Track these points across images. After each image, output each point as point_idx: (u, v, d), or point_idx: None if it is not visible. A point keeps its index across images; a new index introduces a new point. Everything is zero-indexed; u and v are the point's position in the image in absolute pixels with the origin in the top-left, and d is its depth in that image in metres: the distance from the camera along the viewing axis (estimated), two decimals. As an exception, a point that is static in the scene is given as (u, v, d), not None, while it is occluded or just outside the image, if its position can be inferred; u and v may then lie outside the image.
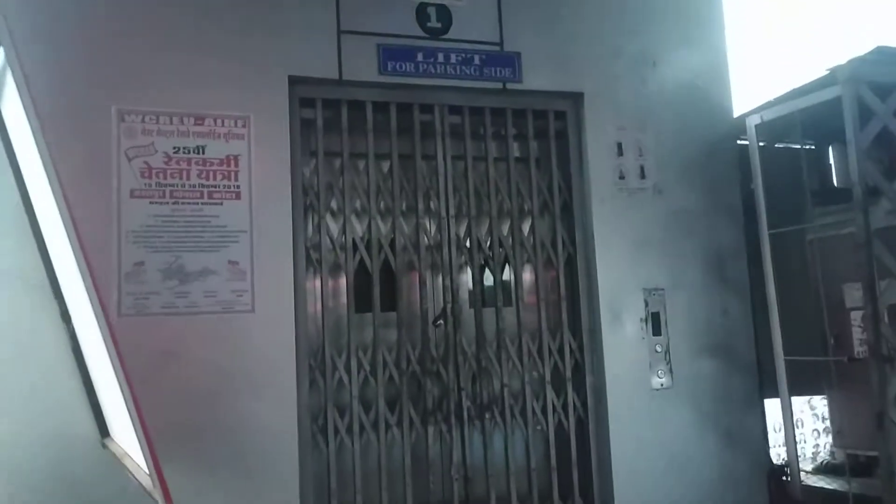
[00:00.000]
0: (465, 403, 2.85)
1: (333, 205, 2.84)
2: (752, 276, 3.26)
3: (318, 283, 2.78)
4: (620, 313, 3.02)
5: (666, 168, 3.18)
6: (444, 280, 2.92)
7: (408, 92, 2.92)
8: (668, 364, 3.02)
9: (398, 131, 2.93)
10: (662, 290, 3.07)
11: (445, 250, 2.93)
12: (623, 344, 3.00)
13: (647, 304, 3.04)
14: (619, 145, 3.12)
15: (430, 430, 2.81)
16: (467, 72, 2.96)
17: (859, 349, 3.20)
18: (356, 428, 2.72)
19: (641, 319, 3.03)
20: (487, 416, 2.88)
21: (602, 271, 3.02)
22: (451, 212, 2.96)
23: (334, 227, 2.83)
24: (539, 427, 2.96)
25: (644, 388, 3.00)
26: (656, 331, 3.03)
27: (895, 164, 2.82)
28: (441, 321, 2.88)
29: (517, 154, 3.10)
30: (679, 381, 3.04)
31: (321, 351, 2.73)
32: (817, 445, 3.73)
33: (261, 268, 2.57)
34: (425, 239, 2.92)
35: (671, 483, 2.99)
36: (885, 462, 2.55)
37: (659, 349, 3.02)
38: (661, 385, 3.01)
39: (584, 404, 3.00)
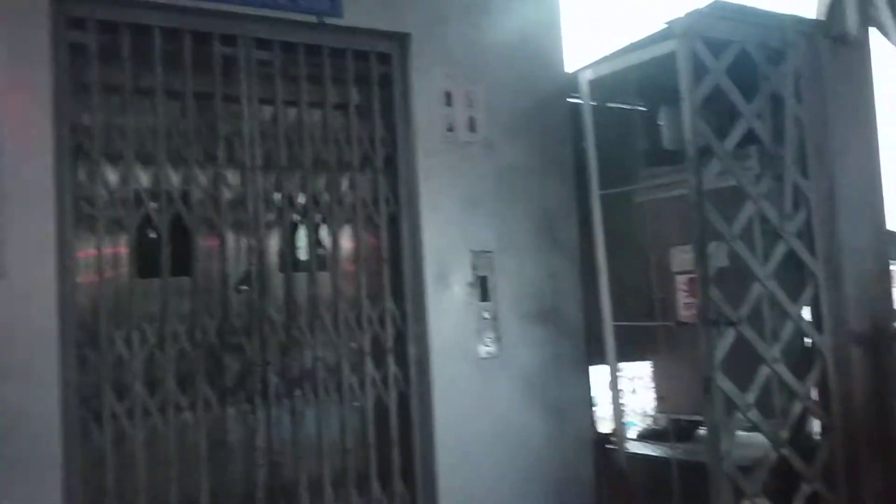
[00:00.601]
0: (272, 380, 2.54)
1: (112, 149, 2.41)
2: (581, 238, 3.17)
3: (91, 242, 2.35)
4: (447, 277, 2.81)
5: (497, 122, 2.99)
6: (248, 240, 2.58)
7: (206, 19, 2.53)
8: (496, 331, 2.86)
9: (194, 65, 2.53)
10: (491, 252, 2.89)
11: (250, 206, 2.58)
12: (449, 311, 2.81)
13: (474, 268, 2.85)
14: (448, 95, 2.90)
15: (231, 411, 2.48)
16: None
17: (684, 314, 3.21)
18: (139, 412, 2.34)
19: (469, 284, 2.84)
20: (298, 392, 2.59)
21: (428, 232, 2.80)
22: (258, 162, 2.61)
23: (113, 176, 2.40)
24: (356, 403, 2.71)
25: (471, 357, 2.83)
26: (484, 296, 2.86)
27: (725, 124, 2.78)
28: (245, 287, 2.55)
29: (335, 100, 2.79)
30: (507, 348, 2.89)
31: (94, 323, 2.31)
32: (644, 412, 3.77)
33: (11, 224, 2.12)
34: (226, 192, 2.55)
35: (498, 456, 2.85)
36: (711, 427, 2.53)
37: (487, 315, 2.85)
38: (489, 353, 2.85)
39: (407, 377, 2.77)
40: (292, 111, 2.71)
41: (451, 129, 2.87)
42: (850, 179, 2.99)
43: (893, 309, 3.12)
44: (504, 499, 2.86)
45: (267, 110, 2.66)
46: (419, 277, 2.78)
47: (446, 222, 2.84)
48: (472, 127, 2.91)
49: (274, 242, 2.67)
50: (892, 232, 3.28)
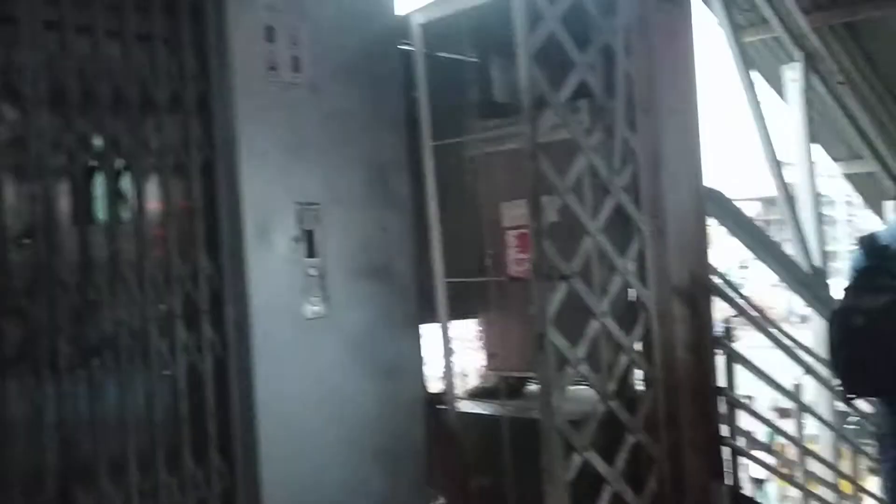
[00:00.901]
0: (64, 348, 2.23)
1: None
2: (413, 192, 3.05)
3: None
4: (269, 231, 2.60)
5: (324, 64, 2.78)
6: (32, 186, 2.23)
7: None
8: (323, 289, 2.69)
9: (-43, -25, 2.13)
10: (318, 204, 2.70)
11: (33, 146, 2.23)
12: (272, 268, 2.60)
13: (300, 221, 2.65)
14: (270, 30, 2.65)
15: (12, 385, 2.15)
16: None
17: (515, 269, 3.20)
18: None
19: (294, 239, 2.64)
20: (96, 362, 2.29)
21: (248, 181, 2.56)
22: (44, 96, 2.26)
23: None
24: (167, 372, 2.45)
25: (296, 317, 2.64)
26: (310, 252, 2.67)
27: (557, 77, 2.76)
28: (28, 240, 2.21)
29: (138, 29, 2.46)
30: (335, 307, 2.72)
31: None
32: (476, 370, 3.75)
33: None
34: (2, 130, 2.19)
35: (325, 422, 2.70)
36: (543, 383, 2.52)
37: (313, 272, 2.66)
38: (316, 313, 2.68)
39: (224, 341, 2.53)
40: (87, 38, 2.36)
41: (273, 69, 2.63)
42: (673, 137, 3.08)
43: (709, 264, 3.27)
44: (333, 466, 2.72)
45: (55, 36, 2.30)
46: (237, 231, 2.54)
47: (268, 171, 2.61)
48: (296, 67, 2.69)
49: (65, 189, 2.33)
50: (709, 189, 3.44)
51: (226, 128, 2.57)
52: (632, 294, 3.00)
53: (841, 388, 3.95)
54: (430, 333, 3.09)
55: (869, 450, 5.19)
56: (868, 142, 7.63)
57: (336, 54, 2.83)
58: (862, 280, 3.70)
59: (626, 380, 2.95)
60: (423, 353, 3.05)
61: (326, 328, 2.71)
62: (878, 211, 9.39)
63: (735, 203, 4.70)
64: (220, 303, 2.54)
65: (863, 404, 4.36)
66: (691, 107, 3.21)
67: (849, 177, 9.34)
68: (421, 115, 3.08)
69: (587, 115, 2.99)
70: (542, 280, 2.50)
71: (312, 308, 2.66)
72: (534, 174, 2.50)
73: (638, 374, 3.04)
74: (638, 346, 2.97)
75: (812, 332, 6.28)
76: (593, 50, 2.81)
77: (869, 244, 3.85)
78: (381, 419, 2.85)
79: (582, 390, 3.00)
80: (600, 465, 2.65)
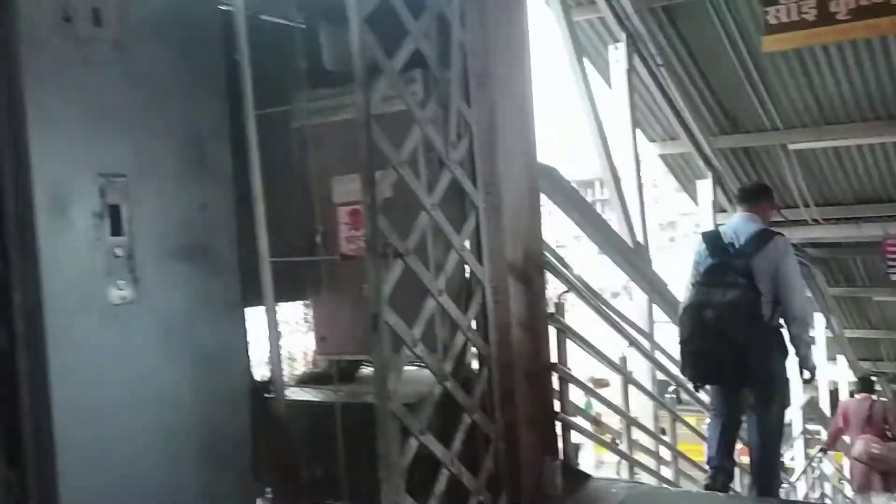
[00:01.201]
0: None
1: None
2: (235, 165, 2.84)
3: None
4: (66, 207, 2.31)
5: (131, 19, 2.50)
6: None
7: None
8: (131, 272, 2.43)
9: None
10: (124, 176, 2.44)
11: None
12: (70, 248, 2.31)
13: (103, 195, 2.38)
14: (61, -25, 2.35)
15: None
16: None
17: (347, 247, 3.08)
18: None
19: (96, 214, 2.37)
20: None
21: (38, 148, 2.25)
22: None
23: None
24: (-60, 370, 2.13)
25: (100, 303, 2.37)
26: (116, 230, 2.41)
27: (390, 47, 2.65)
28: None
29: None
30: (146, 291, 2.48)
31: None
32: (306, 354, 3.59)
33: None
34: None
35: (137, 418, 2.46)
36: (379, 365, 2.42)
37: (120, 252, 2.40)
38: (123, 298, 2.42)
39: (11, 332, 2.24)
40: None
41: (68, 20, 2.33)
42: (506, 110, 3.07)
43: (543, 240, 3.31)
44: (148, 465, 2.49)
45: None
46: (26, 207, 2.24)
47: (64, 138, 2.32)
48: (97, 20, 2.40)
49: None
50: (542, 165, 3.48)
51: (11, 87, 2.25)
52: (467, 271, 2.97)
53: (688, 376, 4.25)
54: (255, 317, 2.91)
55: (687, 417, 5.57)
56: (683, 122, 8.12)
57: (146, 10, 2.56)
58: (710, 277, 4.12)
59: (462, 359, 2.93)
60: (247, 339, 2.87)
61: (137, 314, 2.46)
62: (692, 191, 10.09)
63: (565, 179, 4.83)
64: (6, 289, 2.24)
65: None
66: (526, 81, 3.22)
67: (663, 157, 9.95)
68: (244, 81, 2.87)
69: (422, 86, 2.92)
70: (376, 258, 2.39)
71: (119, 293, 2.40)
72: (367, 146, 2.39)
73: (474, 352, 3.03)
74: (473, 325, 2.95)
75: (636, 305, 6.63)
76: (428, 18, 2.73)
77: (714, 242, 4.28)
78: (202, 411, 2.64)
79: (418, 372, 2.94)
80: (437, 448, 2.60)
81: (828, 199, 10.24)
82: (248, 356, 2.88)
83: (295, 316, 3.47)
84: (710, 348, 3.99)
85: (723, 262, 4.14)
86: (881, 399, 8.60)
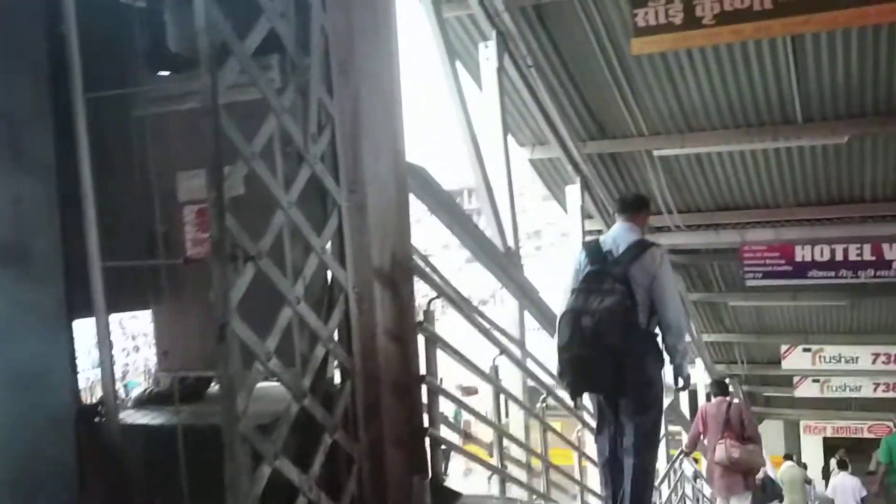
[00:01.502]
0: None
1: None
2: (60, 154, 2.54)
3: None
4: None
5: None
6: None
7: None
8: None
9: None
10: (-84, 165, 2.11)
11: None
12: None
13: None
14: None
15: None
16: None
17: (194, 250, 2.81)
18: None
19: None
20: None
21: None
22: None
23: None
24: None
25: None
26: None
27: (244, 25, 2.42)
28: None
29: None
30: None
31: None
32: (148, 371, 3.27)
33: None
34: None
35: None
36: (226, 383, 2.19)
37: None
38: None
39: None
40: None
41: None
42: (372, 102, 2.90)
43: (412, 243, 3.16)
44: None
45: None
46: None
47: None
48: None
49: None
50: (411, 164, 3.33)
51: None
52: (329, 276, 2.78)
53: (566, 385, 4.28)
54: (84, 329, 2.60)
55: (554, 422, 5.57)
56: (553, 127, 8.22)
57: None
58: (588, 283, 4.22)
59: (322, 373, 2.73)
60: (74, 355, 2.56)
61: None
62: (560, 197, 10.28)
63: (435, 179, 4.71)
64: None
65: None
66: (393, 72, 3.06)
67: (533, 162, 10.07)
68: (71, 58, 2.57)
69: (279, 73, 2.70)
70: (225, 262, 2.16)
71: None
72: (214, 137, 2.15)
73: (336, 364, 2.83)
74: (336, 335, 2.76)
75: (506, 312, 6.61)
76: (285, -4, 2.53)
77: (593, 250, 4.40)
78: (16, 438, 2.33)
79: (272, 388, 2.72)
80: (293, 473, 2.39)
81: (689, 206, 10.69)
82: (74, 374, 2.57)
83: (134, 328, 3.15)
84: (588, 354, 4.03)
85: (601, 269, 4.23)
86: (735, 401, 9.05)
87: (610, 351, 3.99)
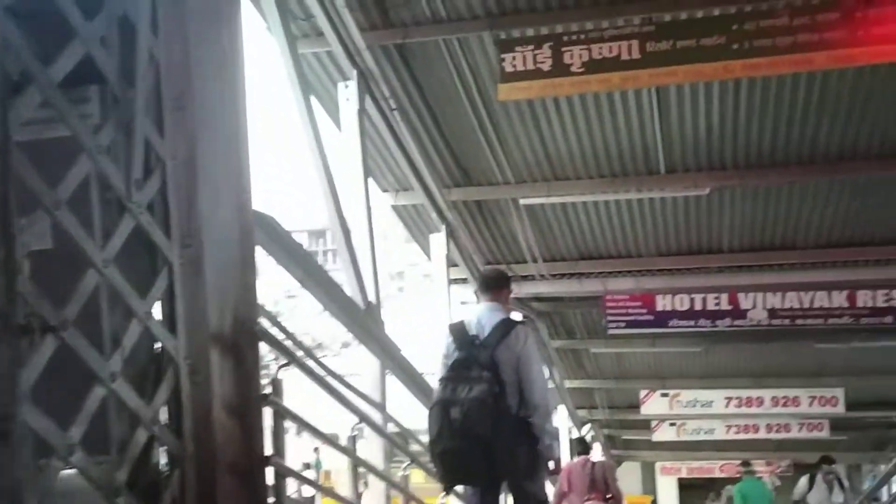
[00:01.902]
0: None
1: None
2: None
3: None
4: None
5: None
6: None
7: None
8: None
9: None
10: None
11: None
12: None
13: None
14: None
15: None
16: None
17: None
18: None
19: None
20: None
21: None
22: None
23: None
24: None
25: None
26: None
27: (55, 48, 2.09)
28: None
29: None
30: None
31: None
32: None
33: None
34: None
35: None
36: (11, 487, 1.80)
37: None
38: None
39: None
40: None
41: None
42: (213, 143, 2.60)
43: (258, 304, 2.86)
44: None
45: None
46: None
47: None
48: None
49: None
50: (258, 212, 3.04)
51: None
52: (158, 346, 2.43)
53: (440, 478, 4.28)
54: None
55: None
56: (417, 172, 8.09)
57: None
58: (456, 371, 4.24)
59: (145, 461, 2.36)
60: None
61: None
62: (424, 244, 10.15)
63: (285, 230, 4.43)
64: None
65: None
66: (238, 109, 2.78)
67: (396, 209, 9.92)
68: None
69: (98, 107, 2.36)
70: (14, 335, 1.80)
71: None
72: (3, 179, 1.80)
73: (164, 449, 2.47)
74: (164, 414, 2.41)
75: (368, 363, 6.32)
76: (105, 18, 2.21)
77: (460, 334, 4.44)
78: None
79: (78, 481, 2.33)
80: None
81: (554, 255, 10.82)
82: None
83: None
84: (458, 447, 4.03)
85: (469, 355, 4.27)
86: (600, 460, 9.15)
87: (481, 442, 3.99)
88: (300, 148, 6.08)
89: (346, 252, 6.10)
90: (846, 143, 8.10)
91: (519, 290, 11.38)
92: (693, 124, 7.87)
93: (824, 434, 19.91)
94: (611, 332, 11.75)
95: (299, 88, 5.70)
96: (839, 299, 10.73)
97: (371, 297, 6.44)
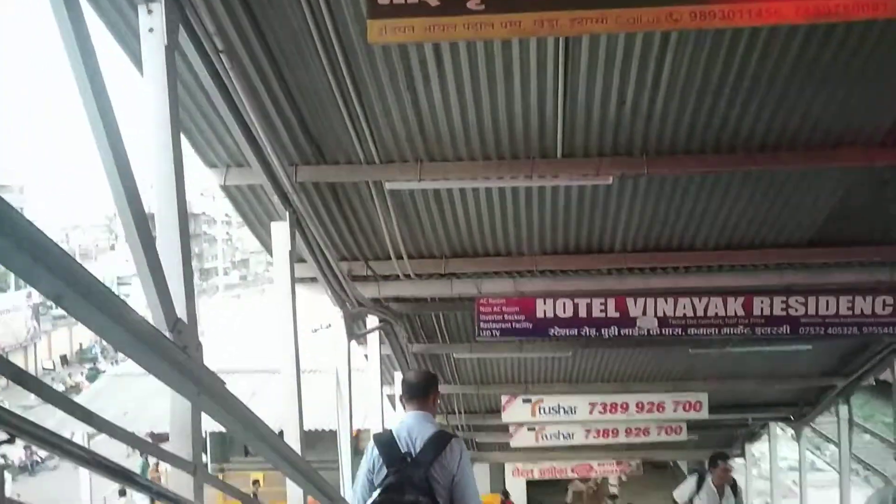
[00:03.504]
0: None
1: None
2: None
3: None
4: None
5: None
6: None
7: None
8: None
9: None
10: None
11: None
12: None
13: None
14: None
15: None
16: None
17: None
18: None
19: None
20: None
21: None
22: None
23: None
24: None
25: None
26: None
27: None
28: None
29: None
30: None
31: None
32: None
33: None
34: None
35: None
36: None
37: None
38: None
39: None
40: None
41: None
42: None
43: None
44: None
45: None
46: None
47: None
48: None
49: None
50: None
51: None
52: None
53: None
54: None
55: None
56: (254, 143, 6.22)
57: None
58: (389, 495, 3.98)
59: None
60: None
61: None
62: (263, 234, 8.27)
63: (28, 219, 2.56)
64: None
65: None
66: None
67: (227, 189, 7.96)
68: None
69: None
70: None
71: None
72: None
73: None
74: None
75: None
76: None
77: (388, 449, 4.14)
78: None
79: None
80: None
81: (422, 251, 9.20)
82: None
83: None
84: None
85: (402, 478, 4.08)
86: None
87: None
88: (72, 101, 4.06)
89: (143, 252, 4.17)
90: (772, 133, 6.91)
91: (381, 291, 9.68)
92: (602, 99, 6.40)
93: (682, 436, 19.50)
94: (481, 339, 10.29)
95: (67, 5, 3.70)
96: (734, 306, 9.71)
97: (181, 314, 4.55)
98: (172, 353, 4.11)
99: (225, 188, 7.72)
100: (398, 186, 7.54)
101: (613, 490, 26.80)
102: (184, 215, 4.77)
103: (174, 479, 4.46)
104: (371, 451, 4.31)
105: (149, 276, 4.23)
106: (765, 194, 7.94)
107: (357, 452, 9.42)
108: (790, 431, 20.10)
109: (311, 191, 7.75)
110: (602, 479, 26.64)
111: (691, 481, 9.03)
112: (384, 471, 4.16)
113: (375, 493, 4.11)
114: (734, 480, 9.00)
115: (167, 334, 4.35)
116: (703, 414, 16.85)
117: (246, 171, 7.25)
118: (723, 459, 8.99)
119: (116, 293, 3.53)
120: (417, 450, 4.16)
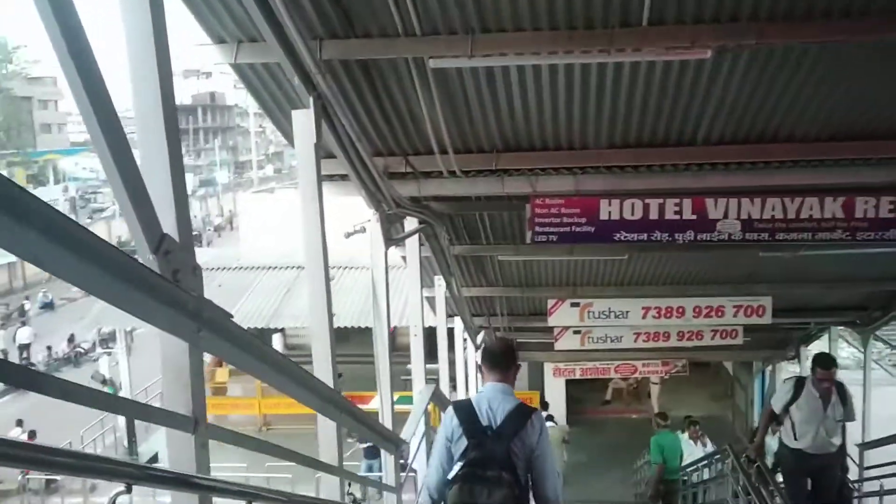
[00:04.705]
0: None
1: None
2: None
3: None
4: None
5: None
6: None
7: None
8: None
9: None
10: None
11: None
12: None
13: None
14: None
15: None
16: None
17: None
18: None
19: None
20: None
21: None
22: None
23: None
24: None
25: None
26: None
27: None
28: None
29: None
30: None
31: None
32: None
33: None
34: None
35: None
36: None
37: None
38: None
39: None
40: None
41: None
42: None
43: None
44: None
45: None
46: None
47: None
48: None
49: None
50: None
51: None
52: None
53: None
54: None
55: None
56: (269, 13, 4.98)
57: None
58: (473, 469, 4.07)
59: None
60: None
61: None
62: (284, 125, 7.10)
63: None
64: None
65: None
66: None
67: (238, 67, 6.75)
68: None
69: None
70: None
71: None
72: None
73: None
74: None
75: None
76: None
77: (469, 422, 4.22)
78: None
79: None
80: None
81: (470, 145, 7.97)
82: None
83: None
84: None
85: (484, 452, 4.09)
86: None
87: None
88: None
89: (109, 154, 3.03)
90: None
91: (422, 190, 8.52)
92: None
93: (738, 340, 18.49)
94: (536, 243, 9.14)
95: None
96: (833, 207, 8.44)
97: (169, 229, 3.44)
98: (154, 283, 3.01)
99: (237, 68, 6.51)
100: (444, 64, 6.24)
101: (655, 385, 26.44)
102: (169, 98, 3.59)
103: (171, 441, 3.51)
104: (451, 420, 4.30)
105: (117, 175, 3.09)
106: (893, 73, 6.55)
107: (395, 348, 8.63)
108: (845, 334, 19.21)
109: (338, 71, 6.48)
110: (643, 377, 26.15)
111: (788, 385, 7.78)
112: (463, 441, 4.17)
113: (457, 467, 4.11)
114: (843, 386, 7.66)
115: (150, 257, 3.26)
116: (766, 319, 15.75)
117: (261, 46, 6.03)
118: (823, 366, 7.62)
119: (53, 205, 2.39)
120: (498, 422, 4.18)
